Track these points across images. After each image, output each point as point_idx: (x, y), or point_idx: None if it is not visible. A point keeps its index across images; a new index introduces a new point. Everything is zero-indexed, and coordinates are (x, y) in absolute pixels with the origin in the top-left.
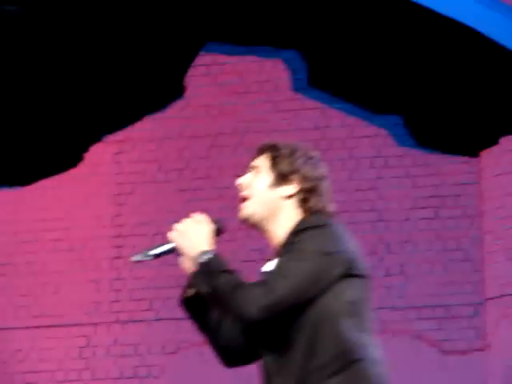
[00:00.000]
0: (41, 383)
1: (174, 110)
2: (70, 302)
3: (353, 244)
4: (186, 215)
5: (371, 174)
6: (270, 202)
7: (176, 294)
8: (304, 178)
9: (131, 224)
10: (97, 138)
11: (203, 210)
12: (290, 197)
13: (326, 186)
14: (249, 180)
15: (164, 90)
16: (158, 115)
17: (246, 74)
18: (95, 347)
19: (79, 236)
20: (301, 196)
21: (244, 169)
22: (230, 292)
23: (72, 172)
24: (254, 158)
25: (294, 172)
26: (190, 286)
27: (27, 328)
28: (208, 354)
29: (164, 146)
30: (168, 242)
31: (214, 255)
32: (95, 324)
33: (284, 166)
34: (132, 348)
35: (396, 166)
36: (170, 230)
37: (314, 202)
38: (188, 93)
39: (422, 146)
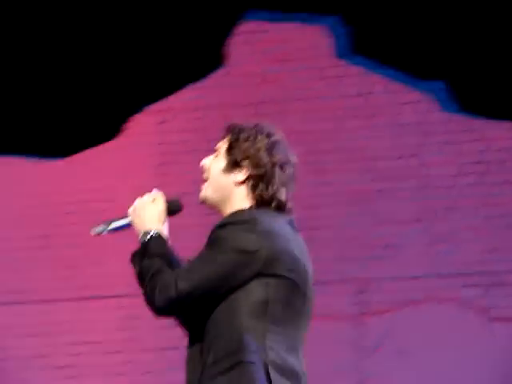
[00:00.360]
0: (86, 355)
1: (216, 78)
2: (112, 273)
3: (284, 242)
4: None
5: (415, 141)
6: (223, 186)
7: None
8: (255, 165)
9: (174, 194)
10: (139, 109)
11: None
12: (241, 183)
13: (282, 173)
14: (209, 162)
15: (205, 58)
16: (200, 84)
17: (287, 40)
18: (137, 318)
19: (122, 207)
20: (251, 183)
21: (286, 136)
22: (147, 277)
23: (115, 142)
24: (221, 139)
25: (246, 158)
26: (130, 261)
27: (71, 300)
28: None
29: (206, 115)
30: (127, 217)
31: (155, 237)
32: (136, 295)
33: (237, 152)
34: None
35: (440, 131)
36: None
37: (262, 190)
38: (229, 61)
39: (466, 111)
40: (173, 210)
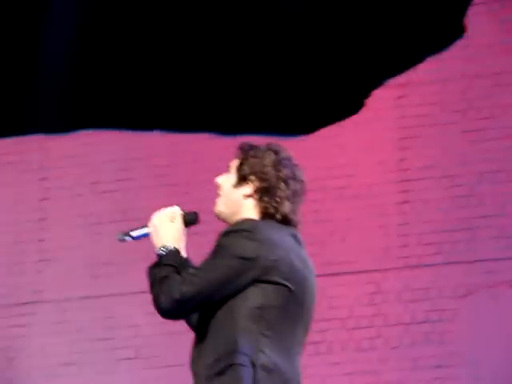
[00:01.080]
0: (334, 330)
1: (455, 49)
2: (357, 249)
3: (283, 252)
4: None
5: None
6: (233, 200)
7: (465, 237)
8: (261, 179)
9: (416, 168)
10: (378, 83)
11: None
12: (249, 196)
13: (287, 188)
14: (222, 179)
15: (445, 29)
16: (439, 56)
17: None
18: (385, 293)
19: (364, 182)
20: (257, 196)
21: None
22: (156, 282)
23: (354, 118)
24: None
25: (253, 173)
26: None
27: (317, 276)
28: (502, 296)
29: (446, 87)
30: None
31: (172, 250)
32: (384, 270)
33: (246, 168)
34: (422, 293)
35: None
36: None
37: (267, 203)
38: (469, 32)
39: None
40: (189, 222)
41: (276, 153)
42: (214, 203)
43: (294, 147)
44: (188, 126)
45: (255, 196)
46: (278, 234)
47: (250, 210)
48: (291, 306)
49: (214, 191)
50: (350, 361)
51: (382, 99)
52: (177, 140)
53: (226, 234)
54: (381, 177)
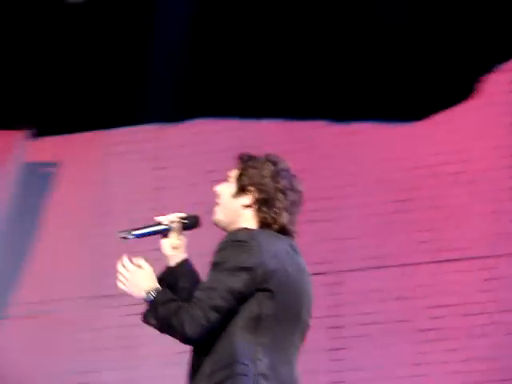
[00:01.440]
0: (447, 317)
1: None
2: (471, 235)
3: (280, 262)
4: None
5: None
6: (232, 210)
7: None
8: (260, 190)
9: None
10: (491, 67)
11: None
12: (248, 207)
13: (285, 199)
14: (221, 188)
15: None
16: None
17: None
18: (499, 279)
19: (478, 168)
20: (256, 206)
21: None
22: (172, 318)
23: (468, 103)
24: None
25: (252, 184)
26: (143, 321)
27: (429, 263)
28: None
29: None
30: (154, 225)
31: (158, 291)
32: (498, 256)
33: (245, 178)
34: None
35: None
36: None
37: (265, 213)
38: None
39: None
40: (190, 225)
41: (274, 164)
42: (331, 190)
43: (407, 133)
44: (302, 114)
45: (254, 206)
46: (275, 243)
47: (248, 219)
48: (287, 314)
49: (330, 178)
50: (465, 347)
51: (496, 83)
52: (291, 128)
53: (224, 247)
54: (495, 162)
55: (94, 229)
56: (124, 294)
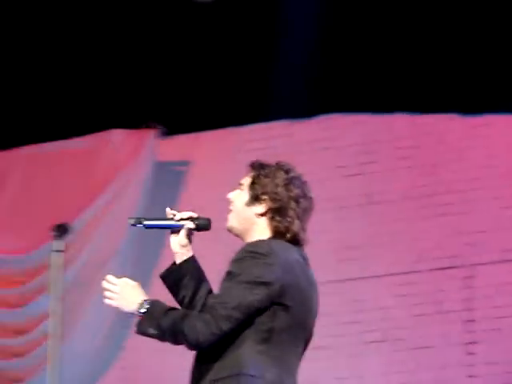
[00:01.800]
0: None
1: None
2: None
3: (296, 275)
4: None
5: None
6: (246, 218)
7: None
8: (273, 199)
9: None
10: None
11: None
12: (261, 215)
13: (297, 207)
14: (234, 196)
15: None
16: None
17: None
18: None
19: None
20: (269, 215)
21: None
22: (178, 328)
23: None
24: (246, 174)
25: (265, 193)
26: (138, 332)
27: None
28: None
29: None
30: (166, 219)
31: (151, 302)
32: None
33: (258, 187)
34: None
35: None
36: None
37: (278, 222)
38: None
39: None
40: (201, 227)
41: (287, 172)
42: (463, 183)
43: None
44: (431, 107)
45: (267, 215)
46: (291, 256)
47: (262, 228)
48: (297, 328)
49: (463, 171)
50: None
51: None
52: (420, 121)
53: (242, 258)
54: None
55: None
56: None
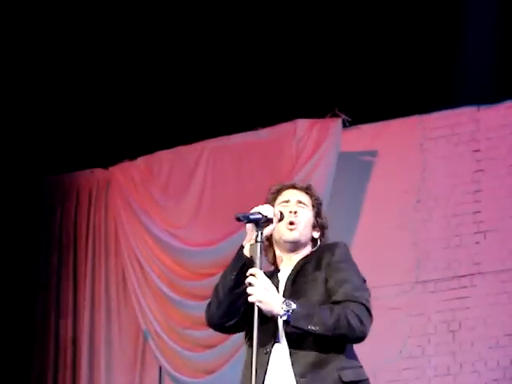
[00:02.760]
0: None
1: None
2: None
3: None
4: None
5: None
6: (308, 237)
7: None
8: (321, 227)
9: None
10: None
11: None
12: (314, 240)
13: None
14: (303, 212)
15: None
16: None
17: None
18: None
19: None
20: (316, 243)
21: None
22: (343, 321)
23: None
24: (297, 193)
25: (321, 226)
26: (296, 328)
27: None
28: None
29: None
30: (265, 215)
31: (293, 300)
32: None
33: (319, 219)
34: None
35: None
36: None
37: (320, 241)
38: None
39: None
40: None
41: (321, 204)
42: None
43: None
44: None
45: (315, 243)
46: None
47: (309, 248)
48: None
49: None
50: None
51: None
52: None
53: (333, 246)
54: None
55: (415, 214)
56: (446, 279)
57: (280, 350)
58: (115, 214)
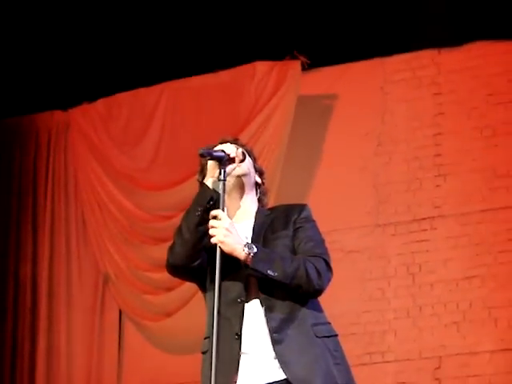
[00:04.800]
0: None
1: None
2: None
3: None
4: None
5: None
6: (253, 174)
7: None
8: (260, 172)
9: None
10: None
11: None
12: (257, 184)
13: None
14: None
15: None
16: None
17: None
18: None
19: None
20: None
21: None
22: (299, 271)
23: None
24: (230, 144)
25: (258, 167)
26: (255, 272)
27: None
28: None
29: None
30: (228, 153)
31: (256, 244)
32: None
33: (255, 161)
34: None
35: None
36: None
37: (261, 187)
38: None
39: None
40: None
41: None
42: None
43: None
44: None
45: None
46: None
47: (254, 194)
48: None
49: None
50: None
51: None
52: None
53: (309, 208)
54: None
55: (375, 157)
56: (406, 222)
57: (253, 301)
58: (75, 157)
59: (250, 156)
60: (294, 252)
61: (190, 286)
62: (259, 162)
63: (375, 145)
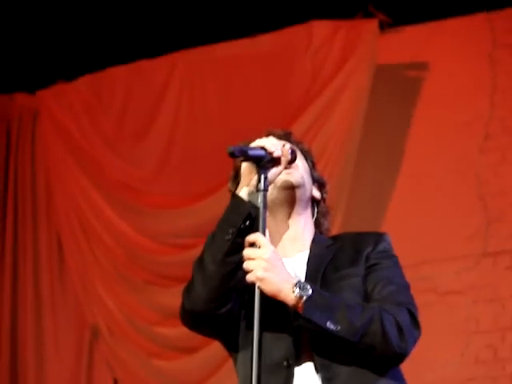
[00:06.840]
0: None
1: None
2: None
3: None
4: None
5: None
6: (309, 186)
7: None
8: (320, 185)
9: None
10: None
11: None
12: (314, 201)
13: None
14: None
15: None
16: None
17: None
18: None
19: None
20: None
21: None
22: (373, 327)
23: None
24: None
25: (317, 176)
26: (309, 323)
27: None
28: None
29: None
30: (270, 152)
31: (310, 284)
32: None
33: (314, 168)
34: None
35: None
36: None
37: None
38: None
39: None
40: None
41: None
42: None
43: None
44: None
45: None
46: None
47: (309, 214)
48: None
49: None
50: None
51: None
52: None
53: (388, 238)
54: None
55: (482, 156)
56: None
57: (305, 365)
58: (47, 159)
59: (305, 158)
60: (366, 299)
61: (219, 348)
62: (319, 168)
63: (481, 138)
